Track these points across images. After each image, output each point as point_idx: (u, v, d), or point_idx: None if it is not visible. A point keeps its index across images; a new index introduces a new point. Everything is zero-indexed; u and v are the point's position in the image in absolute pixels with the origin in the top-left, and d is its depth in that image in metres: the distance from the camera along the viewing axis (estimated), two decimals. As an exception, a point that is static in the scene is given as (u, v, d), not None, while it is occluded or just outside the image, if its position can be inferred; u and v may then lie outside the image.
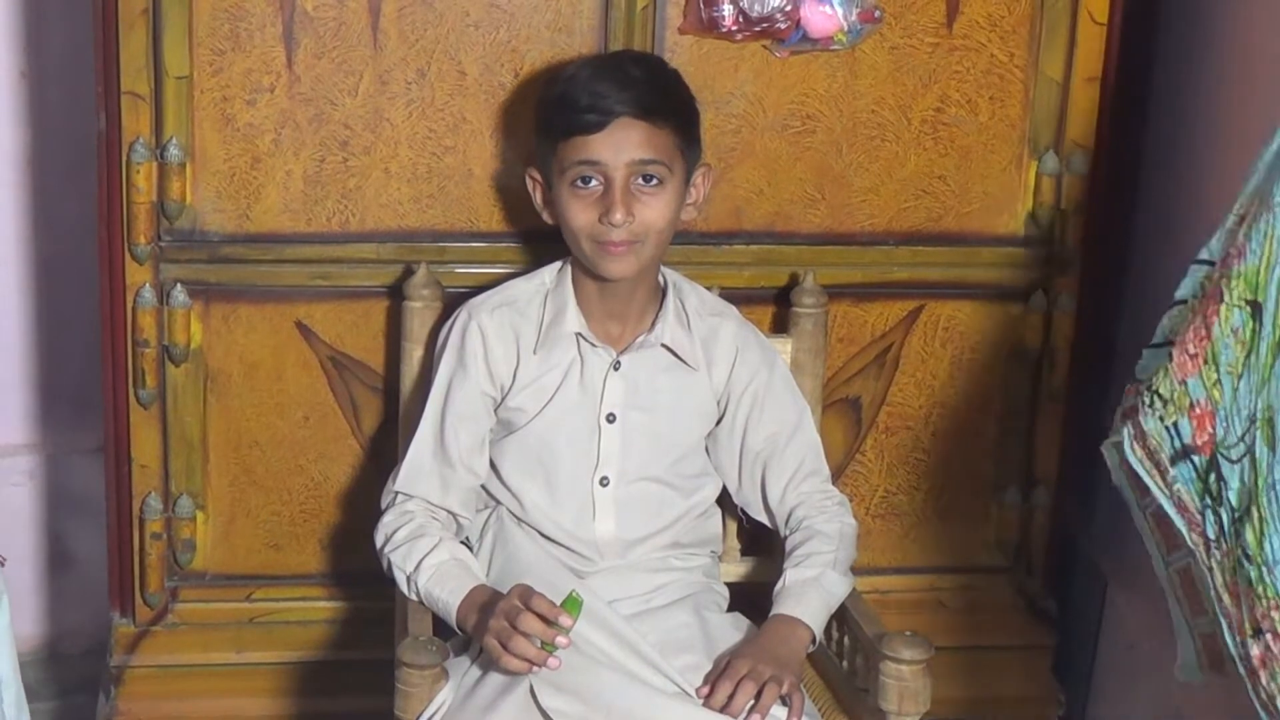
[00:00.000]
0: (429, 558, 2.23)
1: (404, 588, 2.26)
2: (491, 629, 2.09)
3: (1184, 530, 1.90)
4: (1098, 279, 2.69)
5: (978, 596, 2.78)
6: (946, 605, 2.77)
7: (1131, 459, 1.92)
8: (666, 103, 2.26)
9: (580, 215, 2.25)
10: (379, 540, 2.30)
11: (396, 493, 2.32)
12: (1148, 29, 2.78)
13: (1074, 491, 2.87)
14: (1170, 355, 1.90)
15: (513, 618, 2.06)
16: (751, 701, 2.10)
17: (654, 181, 2.24)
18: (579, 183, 2.24)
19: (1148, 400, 1.90)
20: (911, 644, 2.17)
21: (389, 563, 2.28)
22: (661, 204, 2.25)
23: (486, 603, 2.14)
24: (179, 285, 2.48)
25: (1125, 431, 1.93)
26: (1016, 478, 2.74)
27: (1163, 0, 2.77)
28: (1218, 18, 2.60)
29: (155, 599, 2.61)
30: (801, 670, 2.24)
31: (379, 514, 2.33)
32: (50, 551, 3.07)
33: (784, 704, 2.12)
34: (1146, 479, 1.92)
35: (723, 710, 2.09)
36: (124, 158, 2.42)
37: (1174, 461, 1.89)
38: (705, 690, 2.13)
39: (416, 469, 2.32)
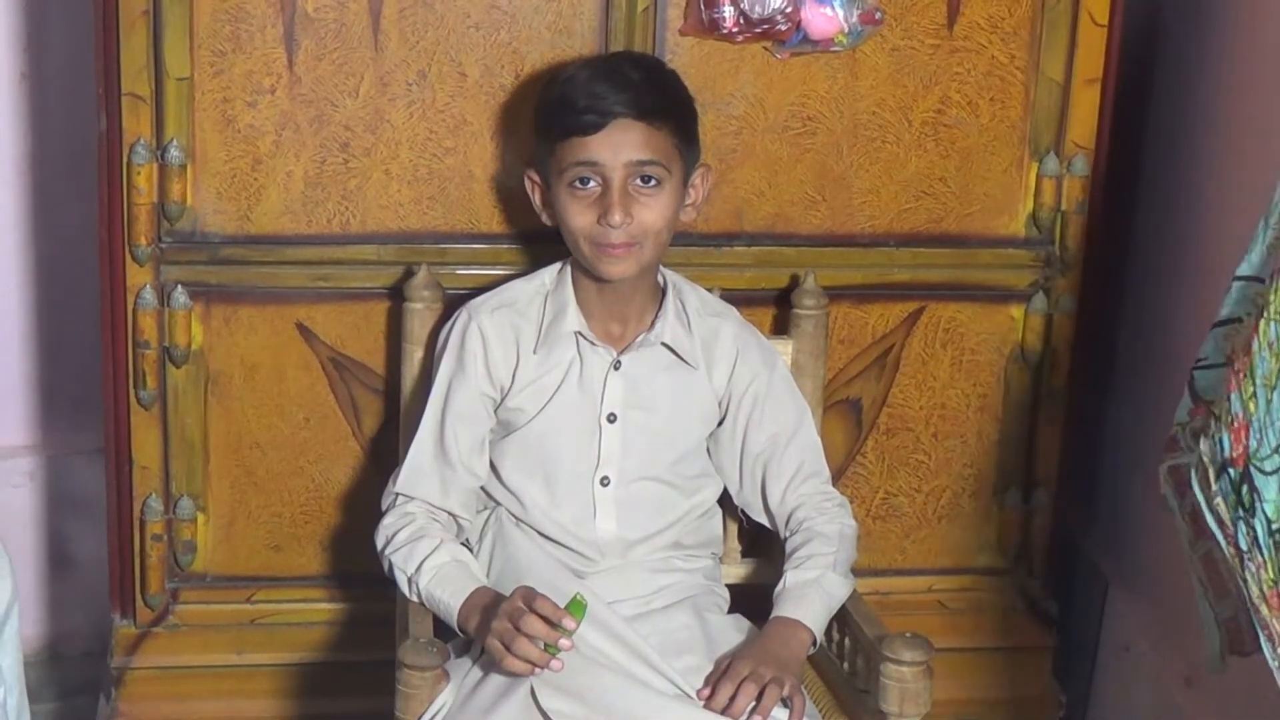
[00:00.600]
0: (430, 559, 2.23)
1: (405, 589, 2.26)
2: (494, 630, 2.09)
3: (1223, 545, 1.90)
4: (1098, 280, 2.69)
5: (978, 598, 2.78)
6: (947, 607, 2.77)
7: (1194, 485, 1.91)
8: (664, 103, 2.26)
9: (578, 217, 2.25)
10: (380, 542, 2.30)
11: (397, 494, 2.32)
12: (1148, 30, 2.78)
13: (1075, 493, 2.88)
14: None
15: (515, 619, 2.06)
16: (752, 704, 2.10)
17: (652, 182, 2.24)
18: (577, 184, 2.24)
19: (1210, 424, 1.90)
20: (912, 645, 2.17)
21: (390, 564, 2.28)
22: (660, 205, 2.25)
23: (488, 604, 2.14)
24: (180, 287, 2.49)
25: (1195, 456, 1.93)
26: (1017, 479, 2.73)
27: (1163, 1, 2.77)
28: (1218, 19, 2.61)
29: (156, 600, 2.61)
30: (802, 672, 2.24)
31: (379, 515, 2.33)
32: (51, 553, 3.07)
33: (785, 706, 2.12)
34: (1200, 498, 1.91)
35: (724, 712, 2.09)
36: (125, 159, 2.42)
37: (1218, 476, 1.89)
38: (706, 692, 2.13)
39: (417, 470, 2.32)
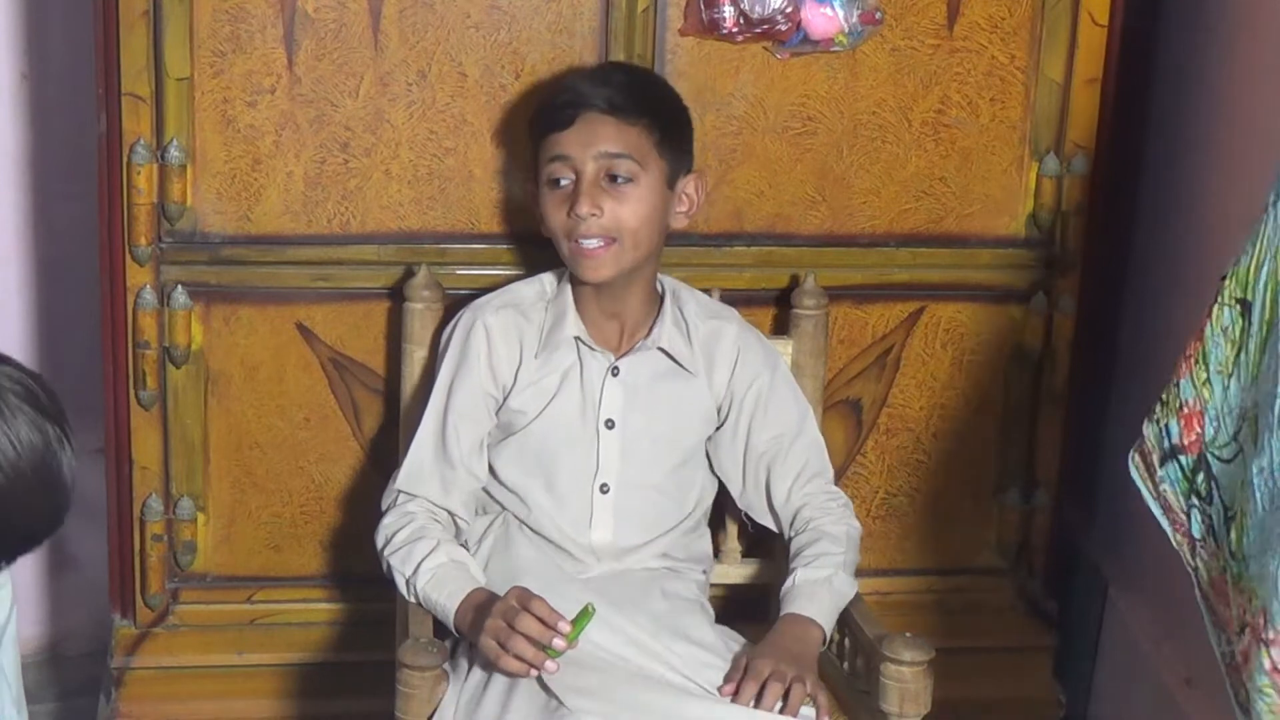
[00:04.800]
0: (428, 560, 2.23)
1: (403, 590, 2.26)
2: (488, 629, 2.09)
3: (1169, 530, 1.90)
4: (1098, 281, 2.69)
5: (978, 598, 2.78)
6: (947, 607, 2.77)
7: (1131, 468, 1.92)
8: (639, 100, 2.27)
9: (554, 214, 2.26)
10: (379, 541, 2.30)
11: (398, 492, 2.32)
12: (1148, 30, 2.78)
13: (1075, 493, 2.88)
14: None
15: (510, 618, 2.07)
16: (780, 703, 2.10)
17: (623, 179, 2.24)
18: (554, 181, 2.26)
19: (1155, 407, 1.90)
20: (912, 646, 2.17)
21: (388, 565, 2.28)
22: (634, 201, 2.25)
23: (483, 604, 2.14)
24: (180, 287, 2.49)
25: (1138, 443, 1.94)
26: (1017, 479, 2.74)
27: (1163, 1, 2.77)
28: (1218, 18, 2.61)
29: (156, 600, 2.61)
30: (817, 670, 2.23)
31: (379, 515, 2.33)
32: (51, 553, 3.07)
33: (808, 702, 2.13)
34: (1139, 484, 1.92)
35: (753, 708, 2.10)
36: (125, 159, 2.42)
37: (1162, 462, 1.89)
38: (729, 690, 2.13)
39: (418, 469, 2.32)
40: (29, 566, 3.04)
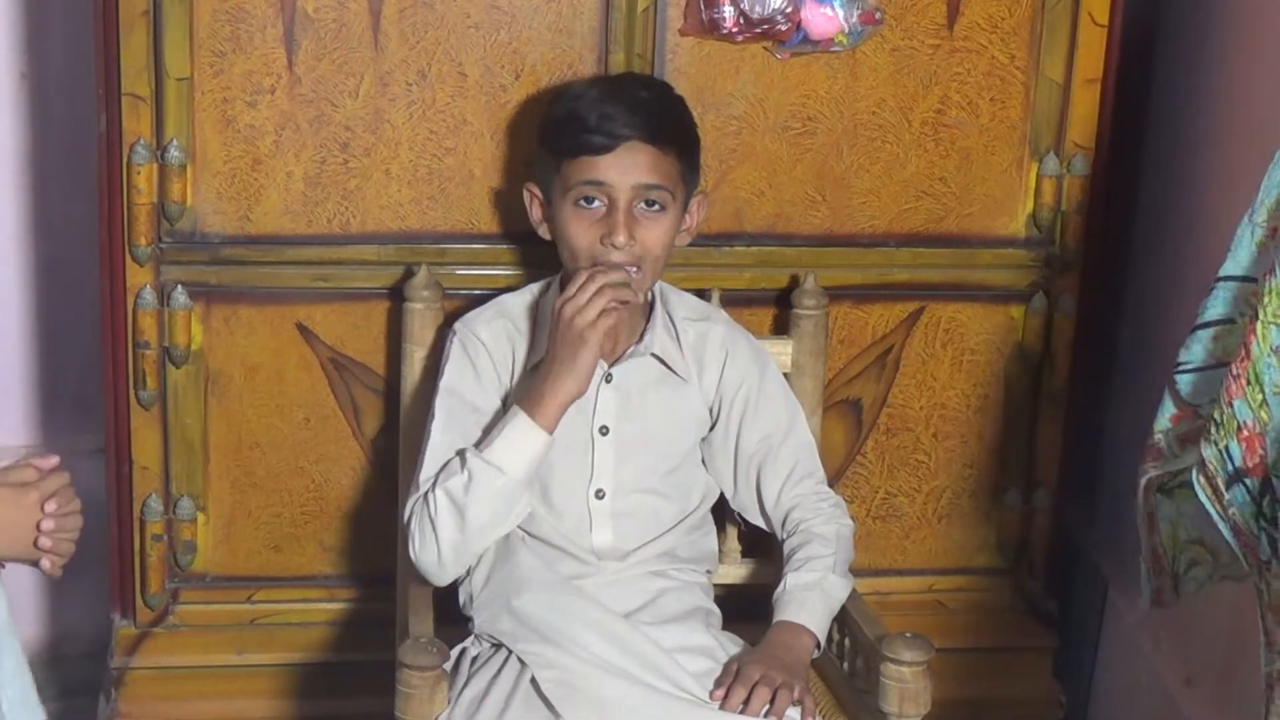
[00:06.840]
0: (468, 454, 2.19)
1: (480, 490, 2.18)
2: (578, 327, 2.16)
3: (1239, 553, 1.89)
4: (1098, 281, 2.69)
5: (978, 598, 2.78)
6: (947, 607, 2.77)
7: (1197, 488, 1.90)
8: (674, 129, 2.28)
9: (582, 235, 2.25)
10: (418, 514, 2.21)
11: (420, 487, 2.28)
12: (1148, 31, 2.78)
13: (1075, 493, 2.88)
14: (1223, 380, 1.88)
15: (587, 295, 2.16)
16: (766, 706, 2.10)
17: (656, 206, 2.25)
18: (582, 202, 2.25)
19: (1210, 428, 1.89)
20: (912, 645, 2.17)
21: (445, 494, 2.19)
22: (661, 229, 2.26)
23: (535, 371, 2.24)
24: (180, 287, 2.49)
25: (1194, 462, 1.91)
26: (1017, 479, 2.74)
27: (1163, 2, 2.77)
28: (1218, 19, 2.61)
29: (156, 600, 2.61)
30: (808, 676, 2.23)
31: (402, 522, 2.26)
32: (51, 553, 3.07)
33: (794, 705, 2.12)
34: (1208, 506, 1.89)
35: (740, 714, 2.10)
36: (125, 159, 2.42)
37: (1229, 485, 1.87)
38: (719, 694, 2.13)
39: (436, 464, 2.26)
40: (30, 567, 3.04)
